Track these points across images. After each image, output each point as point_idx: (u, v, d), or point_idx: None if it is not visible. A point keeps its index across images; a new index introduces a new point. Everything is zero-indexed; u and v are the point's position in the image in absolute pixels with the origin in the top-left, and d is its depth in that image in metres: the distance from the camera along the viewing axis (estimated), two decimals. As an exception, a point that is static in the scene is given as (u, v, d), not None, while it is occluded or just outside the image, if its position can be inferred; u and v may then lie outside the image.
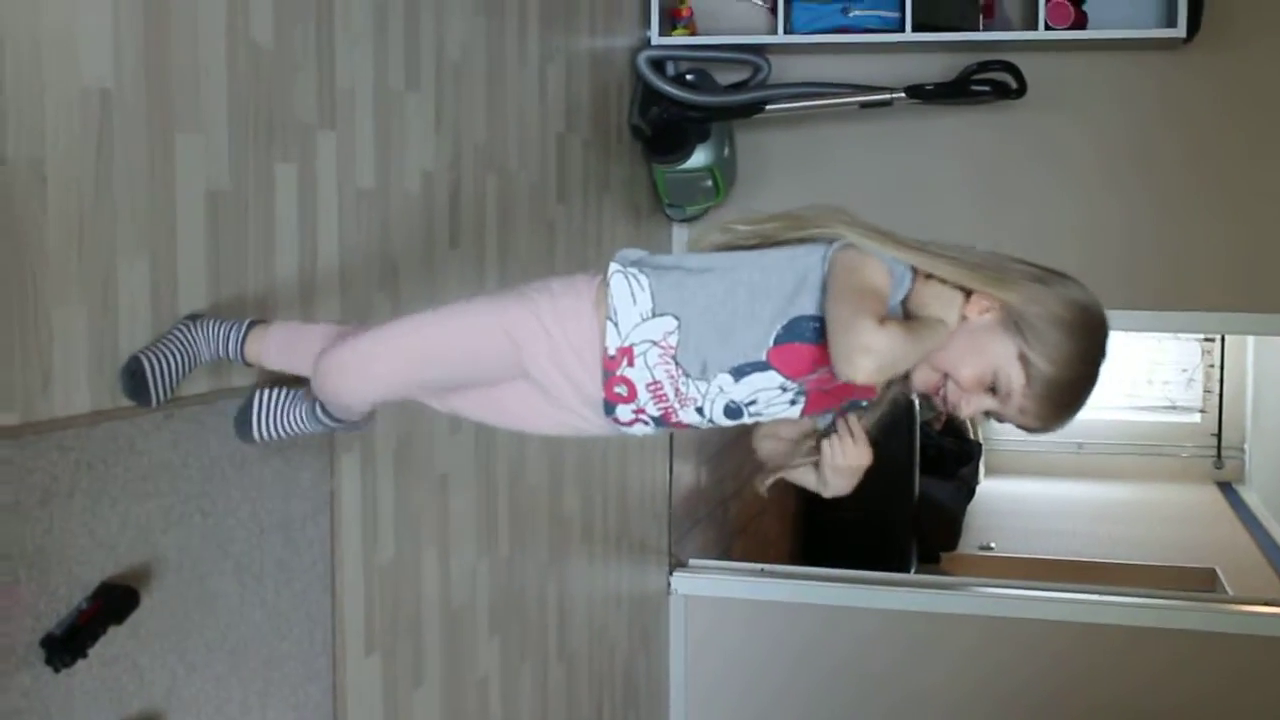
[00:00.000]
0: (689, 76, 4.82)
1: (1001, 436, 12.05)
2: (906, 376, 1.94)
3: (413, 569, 3.17)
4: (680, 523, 5.60)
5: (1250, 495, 10.89)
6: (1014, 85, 4.65)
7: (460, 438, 3.41)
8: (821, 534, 8.46)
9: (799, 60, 4.97)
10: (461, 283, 3.31)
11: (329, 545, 2.72)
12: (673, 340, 1.93)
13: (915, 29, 4.65)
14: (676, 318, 1.93)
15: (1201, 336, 11.40)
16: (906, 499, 8.61)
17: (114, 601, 2.03)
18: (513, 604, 3.81)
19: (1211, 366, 11.70)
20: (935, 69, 4.79)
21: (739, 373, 1.92)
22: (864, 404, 2.01)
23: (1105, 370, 1.88)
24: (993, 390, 1.87)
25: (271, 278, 2.52)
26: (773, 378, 1.92)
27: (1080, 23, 4.61)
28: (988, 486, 10.89)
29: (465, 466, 3.45)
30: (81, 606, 2.00)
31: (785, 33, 4.80)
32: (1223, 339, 11.31)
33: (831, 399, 1.98)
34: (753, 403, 1.96)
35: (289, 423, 2.32)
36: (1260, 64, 4.72)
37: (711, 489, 6.25)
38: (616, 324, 1.95)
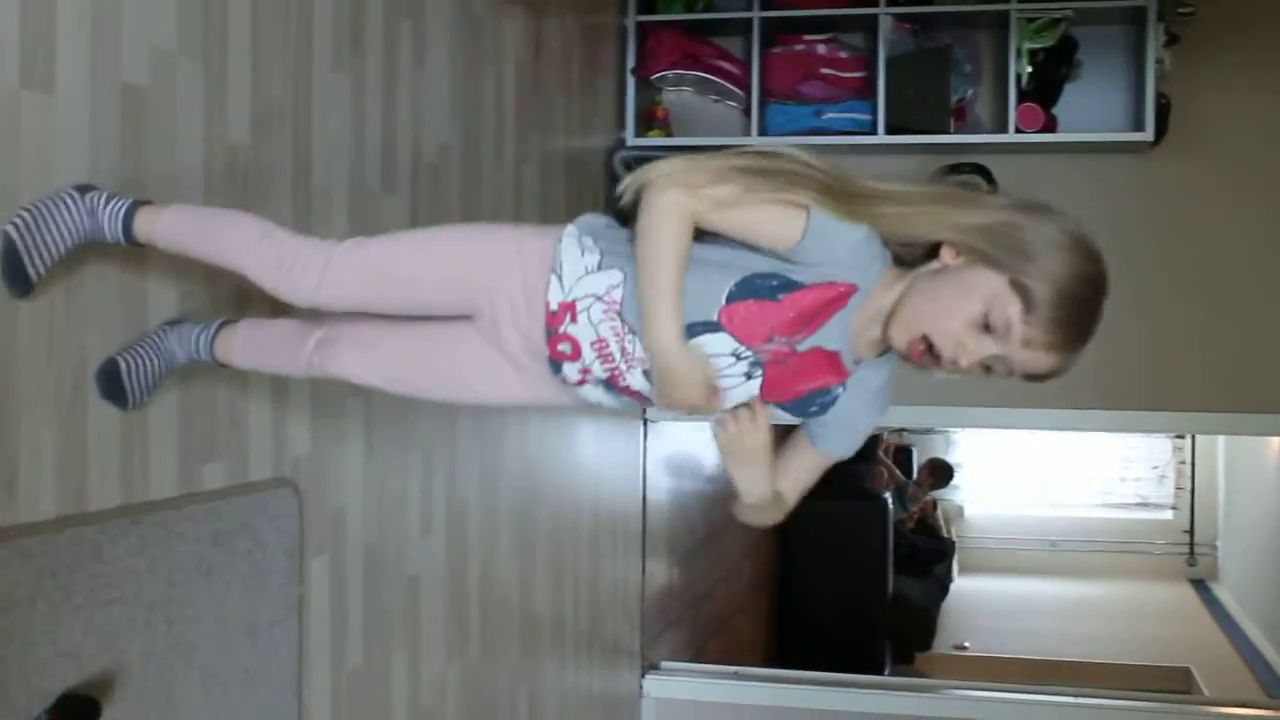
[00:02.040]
0: (663, 177, 4.84)
1: (975, 534, 12.05)
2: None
3: (382, 674, 3.12)
4: (653, 623, 5.54)
5: (1223, 593, 10.88)
6: (985, 187, 4.69)
7: (431, 539, 3.37)
8: (796, 634, 8.41)
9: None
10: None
11: (296, 652, 2.68)
12: (617, 294, 1.83)
13: (888, 131, 4.71)
14: (623, 271, 1.85)
15: (1173, 433, 11.44)
16: (880, 598, 8.57)
17: (75, 713, 1.98)
18: (483, 708, 3.75)
19: (1183, 463, 11.75)
20: (908, 170, 4.84)
21: (689, 332, 1.79)
22: (838, 392, 1.87)
23: (1104, 300, 1.74)
24: (988, 329, 1.71)
25: (244, 382, 2.49)
26: (725, 341, 1.80)
27: (1050, 126, 4.68)
28: (962, 585, 10.85)
29: (436, 568, 3.41)
30: (41, 718, 1.94)
31: (759, 134, 4.84)
32: (1193, 435, 11.36)
33: (794, 379, 1.84)
34: None
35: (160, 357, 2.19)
36: (1227, 167, 4.79)
37: (684, 589, 6.20)
38: (560, 276, 1.87)
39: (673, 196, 1.78)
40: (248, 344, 2.22)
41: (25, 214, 1.91)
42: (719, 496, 6.99)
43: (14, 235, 1.90)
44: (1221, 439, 11.05)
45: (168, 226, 2.02)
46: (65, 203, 1.96)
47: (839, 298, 1.78)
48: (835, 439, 1.96)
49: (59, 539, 1.99)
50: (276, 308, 2.47)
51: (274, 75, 2.61)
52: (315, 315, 2.11)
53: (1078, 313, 1.72)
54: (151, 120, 2.22)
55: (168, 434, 2.27)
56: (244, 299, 2.45)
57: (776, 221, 1.78)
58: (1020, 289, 1.69)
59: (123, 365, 2.09)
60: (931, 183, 1.84)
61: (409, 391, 2.13)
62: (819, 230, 1.75)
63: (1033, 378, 1.77)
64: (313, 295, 1.98)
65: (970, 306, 1.71)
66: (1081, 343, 1.74)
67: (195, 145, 2.34)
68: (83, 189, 2.00)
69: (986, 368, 1.76)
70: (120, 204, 2.00)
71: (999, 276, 1.70)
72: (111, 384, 2.08)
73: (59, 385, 2.01)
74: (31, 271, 1.92)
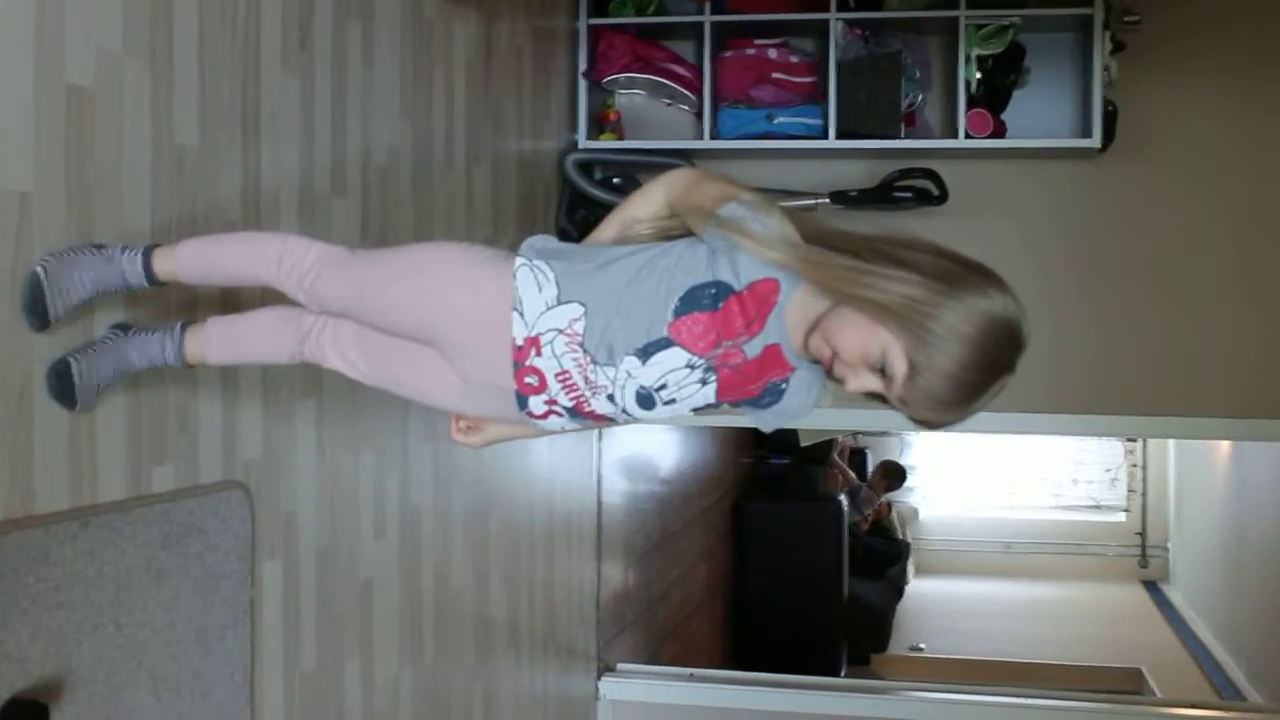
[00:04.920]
0: (616, 180, 4.86)
1: (929, 537, 12.12)
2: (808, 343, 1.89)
3: (335, 678, 3.11)
4: (608, 625, 5.55)
5: (1174, 594, 10.99)
6: (935, 192, 4.73)
7: (384, 542, 3.36)
8: (752, 636, 8.43)
9: (725, 165, 5.03)
10: (387, 397, 3.28)
11: (249, 655, 2.67)
12: (579, 327, 1.92)
13: (839, 136, 4.73)
14: (582, 304, 1.92)
15: (1124, 437, 11.55)
16: (836, 600, 8.60)
17: (22, 717, 1.97)
18: (437, 711, 3.74)
19: (1135, 466, 11.85)
20: (859, 175, 4.87)
21: (645, 353, 1.90)
22: (783, 386, 1.95)
23: (1004, 381, 1.78)
24: (881, 372, 1.79)
25: (194, 383, 2.49)
26: (678, 355, 1.90)
27: (999, 132, 4.71)
28: (917, 586, 10.91)
29: (389, 571, 3.40)
30: (-13, 723, 1.94)
31: (711, 138, 4.86)
32: (1145, 439, 11.46)
33: (745, 380, 1.94)
34: (663, 387, 1.93)
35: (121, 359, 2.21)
36: (1173, 173, 4.84)
37: (640, 591, 6.21)
38: (522, 314, 1.94)
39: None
40: (225, 340, 2.25)
41: (51, 258, 2.06)
42: (674, 499, 7.01)
43: (41, 274, 2.03)
44: (1172, 442, 11.16)
45: (188, 258, 2.16)
46: (86, 254, 2.11)
47: (770, 295, 1.87)
48: (765, 420, 2.04)
49: (5, 542, 1.98)
50: (228, 304, 2.48)
51: (222, 76, 2.60)
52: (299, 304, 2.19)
53: (958, 395, 1.78)
54: (97, 122, 2.21)
55: (116, 436, 2.26)
56: (192, 301, 2.44)
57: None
58: (912, 359, 1.76)
59: (74, 366, 2.09)
60: (862, 240, 1.86)
61: (380, 388, 2.23)
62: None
63: (911, 420, 1.86)
64: (299, 297, 2.12)
65: (869, 345, 1.79)
66: (955, 416, 1.82)
67: (142, 147, 2.33)
68: (97, 245, 2.14)
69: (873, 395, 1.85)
70: (135, 249, 2.14)
71: (901, 338, 1.76)
72: (62, 383, 2.08)
73: (5, 387, 2.00)
74: (51, 310, 2.05)
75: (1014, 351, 1.79)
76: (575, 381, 1.94)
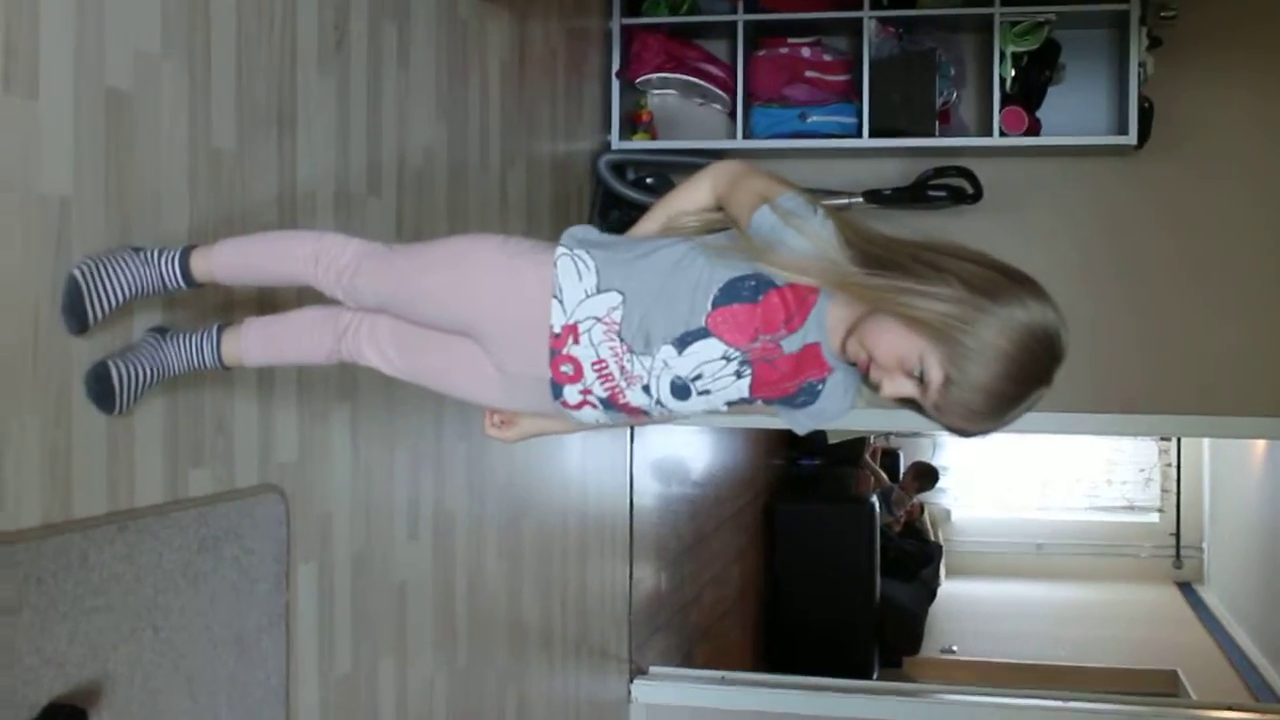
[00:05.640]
0: (649, 180, 4.85)
1: (962, 538, 12.07)
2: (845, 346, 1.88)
3: (370, 681, 3.10)
4: (641, 628, 5.54)
5: (1209, 595, 10.90)
6: (970, 190, 4.70)
7: (418, 545, 3.36)
8: (784, 638, 8.40)
9: (759, 165, 4.99)
10: (421, 400, 3.28)
11: (284, 659, 2.66)
12: (617, 316, 1.91)
13: (872, 135, 4.71)
14: (621, 293, 1.92)
15: (1158, 436, 11.47)
16: (868, 602, 8.57)
17: (61, 722, 1.97)
18: (471, 714, 3.74)
19: (1169, 466, 11.77)
20: (893, 173, 4.85)
21: (681, 343, 1.89)
22: (819, 387, 1.94)
23: (1039, 393, 1.77)
24: (919, 378, 1.78)
25: (230, 386, 2.48)
26: (714, 346, 1.89)
27: (1034, 129, 4.68)
28: (949, 588, 10.86)
29: (423, 574, 3.40)
30: (26, 728, 1.93)
31: (744, 138, 4.84)
32: (1179, 438, 11.38)
33: (780, 375, 1.92)
34: (698, 377, 1.92)
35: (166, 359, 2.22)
36: (1211, 170, 4.80)
37: (672, 594, 6.19)
38: (561, 301, 1.94)
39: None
40: (263, 340, 2.25)
41: (90, 261, 2.06)
42: (706, 501, 6.99)
43: (79, 277, 2.04)
44: (1207, 442, 11.08)
45: (225, 258, 2.16)
46: (124, 257, 2.10)
47: (810, 293, 1.86)
48: (799, 421, 2.03)
49: (45, 546, 1.98)
50: (265, 306, 2.48)
51: (258, 78, 2.60)
52: (337, 303, 2.18)
53: (992, 407, 1.77)
54: (136, 125, 2.21)
55: (154, 440, 2.26)
56: (229, 303, 2.44)
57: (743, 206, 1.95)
58: (947, 371, 1.75)
59: (114, 369, 2.09)
60: (901, 247, 1.84)
61: (416, 383, 2.22)
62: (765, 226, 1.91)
63: (944, 427, 1.86)
64: (337, 294, 2.11)
65: (906, 351, 1.78)
66: (989, 426, 1.81)
67: (180, 150, 2.33)
68: (135, 248, 2.14)
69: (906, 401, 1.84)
70: (173, 251, 2.14)
71: (938, 349, 1.75)
72: (101, 386, 2.08)
73: (44, 391, 2.00)
74: (90, 313, 2.05)
75: (1050, 365, 1.77)
76: (611, 371, 1.94)
